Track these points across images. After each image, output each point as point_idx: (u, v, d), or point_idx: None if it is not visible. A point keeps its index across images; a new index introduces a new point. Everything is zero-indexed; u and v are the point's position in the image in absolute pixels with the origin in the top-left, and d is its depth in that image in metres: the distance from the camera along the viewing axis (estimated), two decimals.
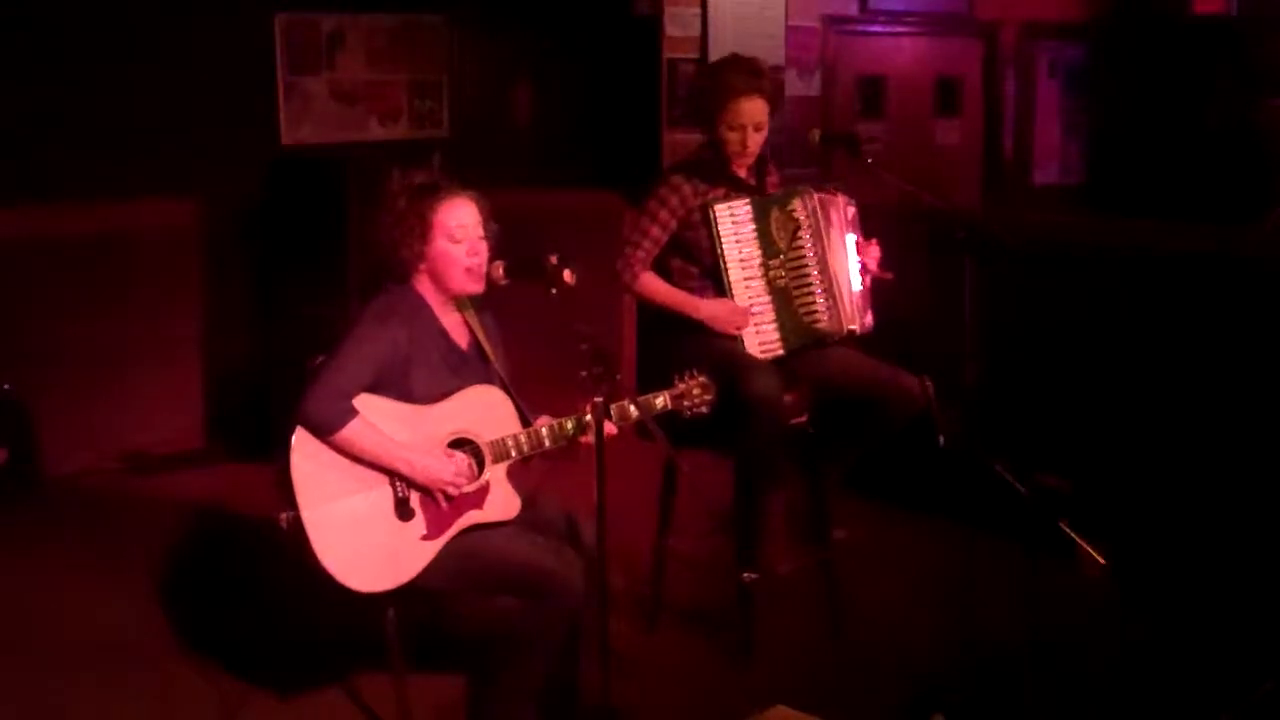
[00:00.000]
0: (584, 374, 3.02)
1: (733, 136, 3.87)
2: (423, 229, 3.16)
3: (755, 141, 3.88)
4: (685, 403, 3.38)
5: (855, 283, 4.00)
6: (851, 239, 4.02)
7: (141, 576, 4.48)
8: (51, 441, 5.42)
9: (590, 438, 3.18)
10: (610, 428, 3.13)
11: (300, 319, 5.69)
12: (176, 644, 4.00)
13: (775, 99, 3.93)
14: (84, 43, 5.63)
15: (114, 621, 4.16)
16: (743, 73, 3.87)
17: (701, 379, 3.40)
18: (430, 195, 3.19)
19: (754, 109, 3.84)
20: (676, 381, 3.39)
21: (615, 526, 2.99)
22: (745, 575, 3.84)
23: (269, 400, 5.65)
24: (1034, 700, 3.43)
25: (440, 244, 3.17)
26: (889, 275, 4.04)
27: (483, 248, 3.22)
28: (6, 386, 5.25)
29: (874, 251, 4.03)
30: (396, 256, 3.18)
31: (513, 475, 3.28)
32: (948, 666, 3.66)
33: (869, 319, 4.02)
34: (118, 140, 5.72)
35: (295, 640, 3.95)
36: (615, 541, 3.06)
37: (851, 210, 4.05)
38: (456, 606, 3.69)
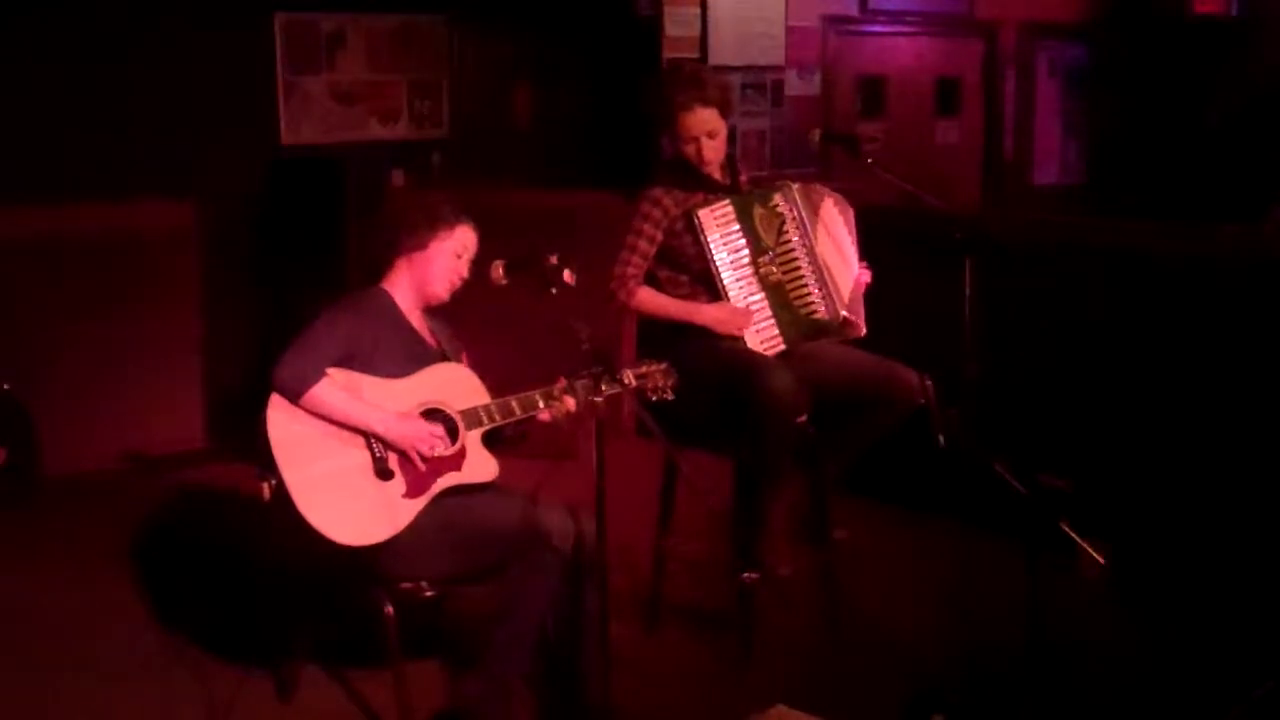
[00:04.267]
0: (585, 374, 3.02)
1: (688, 150, 3.85)
2: (444, 230, 3.40)
3: (711, 149, 3.85)
4: (649, 384, 3.42)
5: (852, 267, 3.98)
6: (843, 229, 4.00)
7: (141, 576, 4.48)
8: (51, 441, 5.41)
9: (549, 415, 3.36)
10: (569, 402, 3.31)
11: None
12: (175, 644, 4.00)
13: (725, 103, 3.85)
14: (84, 43, 5.63)
15: (113, 621, 4.16)
16: (683, 86, 3.83)
17: (663, 365, 3.46)
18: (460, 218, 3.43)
19: (700, 120, 3.80)
20: (639, 364, 3.45)
21: (615, 526, 2.99)
22: (745, 575, 3.83)
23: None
24: (1034, 700, 3.43)
25: (449, 252, 3.40)
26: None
27: (467, 274, 3.45)
28: (6, 386, 5.25)
29: (864, 276, 4.02)
30: (413, 238, 3.38)
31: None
32: (948, 666, 3.66)
33: (862, 326, 4.00)
34: (118, 140, 5.72)
35: (294, 639, 3.94)
36: (615, 541, 3.06)
37: (850, 212, 4.04)
38: (454, 601, 3.69)
